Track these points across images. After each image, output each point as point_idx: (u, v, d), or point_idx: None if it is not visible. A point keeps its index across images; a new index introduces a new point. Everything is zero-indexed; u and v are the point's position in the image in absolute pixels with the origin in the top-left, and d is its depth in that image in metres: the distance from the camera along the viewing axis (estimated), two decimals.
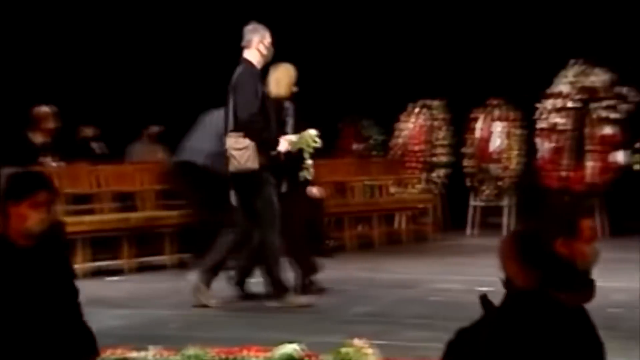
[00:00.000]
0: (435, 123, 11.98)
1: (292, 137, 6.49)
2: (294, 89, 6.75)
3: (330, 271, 7.09)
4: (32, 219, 3.25)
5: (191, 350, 4.68)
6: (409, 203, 11.00)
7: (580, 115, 11.25)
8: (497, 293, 7.28)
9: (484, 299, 3.09)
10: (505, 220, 11.51)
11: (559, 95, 11.31)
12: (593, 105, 11.14)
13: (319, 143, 6.65)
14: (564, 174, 11.23)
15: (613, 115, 11.07)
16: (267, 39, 6.31)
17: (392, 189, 11.13)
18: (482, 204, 11.72)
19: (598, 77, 11.17)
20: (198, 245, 8.59)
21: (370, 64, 11.93)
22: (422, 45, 11.79)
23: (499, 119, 11.72)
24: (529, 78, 11.08)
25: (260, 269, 6.53)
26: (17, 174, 3.40)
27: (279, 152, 6.30)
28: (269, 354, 4.74)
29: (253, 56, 6.29)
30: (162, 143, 10.94)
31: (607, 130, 11.07)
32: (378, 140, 12.29)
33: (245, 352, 4.85)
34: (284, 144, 6.36)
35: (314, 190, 7.19)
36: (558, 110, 11.31)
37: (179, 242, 8.34)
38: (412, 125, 12.01)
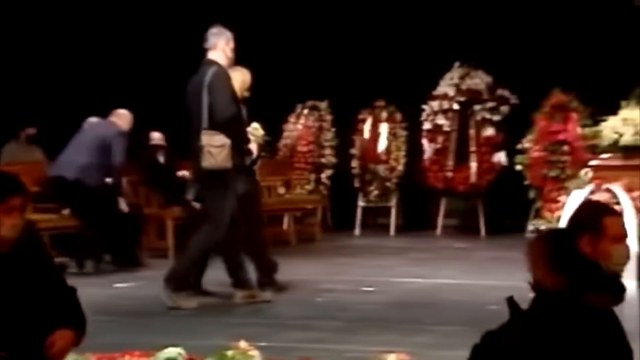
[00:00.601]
0: (323, 124, 12.03)
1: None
2: (246, 93, 6.95)
3: (215, 272, 7.03)
4: (5, 225, 3.10)
5: (71, 357, 4.56)
6: (297, 204, 11.02)
7: (464, 117, 11.48)
8: (380, 293, 7.42)
9: (511, 301, 3.05)
10: (392, 220, 11.66)
11: (443, 97, 11.52)
12: (476, 107, 11.38)
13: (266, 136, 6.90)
14: (448, 174, 11.45)
15: (495, 117, 11.34)
16: (232, 43, 6.53)
17: (280, 190, 11.13)
18: (370, 204, 11.84)
19: (481, 80, 11.42)
20: (76, 249, 8.48)
21: (256, 66, 11.86)
22: (309, 46, 11.82)
23: (386, 120, 11.86)
24: (415, 80, 11.25)
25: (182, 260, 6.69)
26: None
27: (251, 152, 6.65)
28: (152, 359, 4.67)
29: (220, 58, 6.48)
30: (38, 144, 10.72)
31: (489, 131, 11.33)
32: (266, 142, 12.25)
33: (127, 358, 4.77)
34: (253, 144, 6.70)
35: None
36: (443, 111, 11.52)
37: (55, 246, 8.13)
38: (300, 127, 12.04)
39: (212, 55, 6.50)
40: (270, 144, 12.17)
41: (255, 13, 11.63)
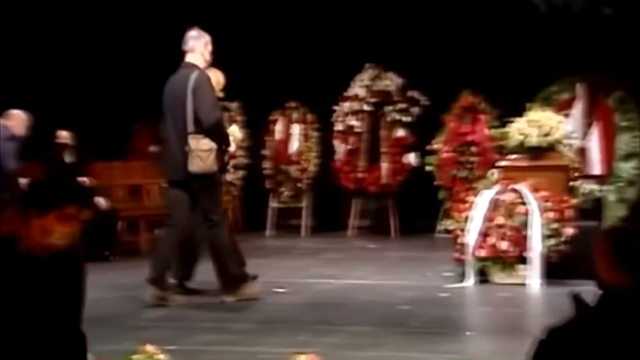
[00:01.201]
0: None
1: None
2: (220, 94, 7.09)
3: (124, 276, 6.88)
4: (57, 232, 2.99)
5: None
6: None
7: (375, 118, 11.54)
8: (292, 294, 7.38)
9: (577, 298, 2.99)
10: (304, 221, 11.64)
11: (355, 98, 11.56)
12: (387, 108, 11.46)
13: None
14: (360, 175, 11.50)
15: (406, 119, 11.43)
16: (210, 46, 6.65)
17: None
18: (282, 205, 11.80)
19: (392, 81, 11.50)
20: None
21: (166, 66, 11.71)
22: (219, 46, 11.71)
23: (298, 121, 11.84)
24: (326, 81, 11.27)
25: (213, 265, 6.74)
26: (45, 182, 3.14)
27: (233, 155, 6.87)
28: None
29: (199, 61, 6.59)
30: None
31: (400, 132, 11.42)
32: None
33: None
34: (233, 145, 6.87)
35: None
36: (354, 113, 11.56)
37: None
38: None
39: (190, 58, 6.58)
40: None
41: (166, 12, 11.47)
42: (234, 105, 11.92)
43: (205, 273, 7.11)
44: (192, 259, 7.20)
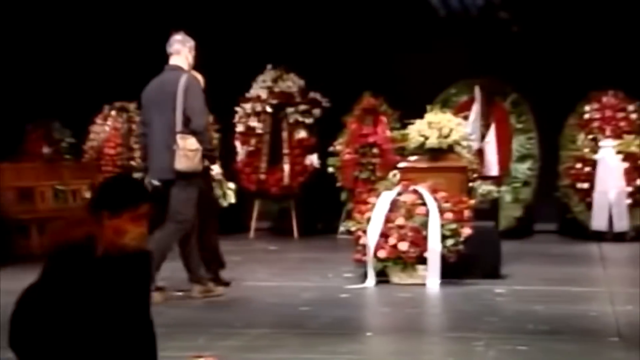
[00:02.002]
0: (133, 126, 11.71)
1: None
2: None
3: (15, 282, 6.63)
4: (131, 232, 2.92)
5: None
6: None
7: (277, 120, 11.50)
8: (190, 298, 7.21)
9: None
10: None
11: (256, 99, 11.49)
12: (288, 109, 11.42)
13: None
14: (261, 176, 11.43)
15: (307, 120, 11.42)
16: (194, 51, 6.90)
17: (87, 194, 10.72)
18: None
19: (293, 83, 11.48)
20: None
21: (60, 63, 11.44)
22: (115, 43, 11.51)
23: None
24: (227, 82, 11.15)
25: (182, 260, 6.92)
26: (116, 182, 3.05)
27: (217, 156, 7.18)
28: None
29: (183, 64, 6.81)
30: None
31: (302, 134, 11.40)
32: (70, 144, 11.80)
33: None
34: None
35: None
36: (255, 114, 11.49)
37: None
38: (107, 128, 11.67)
39: (175, 60, 6.82)
40: (77, 146, 11.77)
41: (59, 9, 11.20)
42: (131, 105, 11.69)
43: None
44: (214, 248, 7.49)
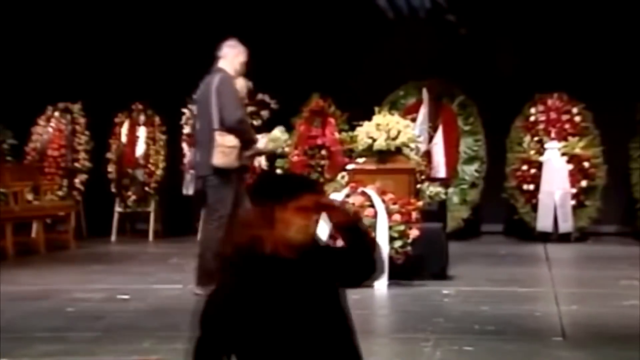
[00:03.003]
0: (77, 127, 11.55)
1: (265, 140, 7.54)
2: (245, 99, 7.71)
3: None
4: (295, 225, 2.79)
5: None
6: (48, 210, 10.47)
7: None
8: (136, 300, 7.16)
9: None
10: (151, 226, 11.38)
11: None
12: None
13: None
14: None
15: (255, 122, 11.34)
16: (242, 57, 7.16)
17: (29, 196, 10.53)
18: (127, 210, 11.49)
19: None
20: None
21: (1, 65, 11.23)
22: (60, 43, 11.34)
23: (144, 124, 11.57)
24: (174, 83, 11.05)
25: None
26: (278, 176, 3.01)
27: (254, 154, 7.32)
28: None
29: (228, 67, 7.10)
30: None
31: None
32: (11, 145, 11.57)
33: None
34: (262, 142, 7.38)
35: None
36: None
37: None
38: (51, 130, 11.48)
39: (221, 63, 7.13)
40: (19, 148, 11.56)
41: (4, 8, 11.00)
42: (75, 106, 11.52)
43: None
44: None
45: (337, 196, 7.72)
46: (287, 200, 2.84)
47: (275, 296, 2.82)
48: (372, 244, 3.03)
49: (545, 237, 10.60)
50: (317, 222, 2.88)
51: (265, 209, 2.86)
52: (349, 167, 8.32)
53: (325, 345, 2.86)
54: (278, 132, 8.59)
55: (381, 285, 7.30)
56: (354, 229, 2.95)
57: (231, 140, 6.86)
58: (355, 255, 2.95)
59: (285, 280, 2.83)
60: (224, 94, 6.93)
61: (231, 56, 7.12)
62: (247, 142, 7.01)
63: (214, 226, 6.90)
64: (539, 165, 10.83)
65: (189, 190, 7.75)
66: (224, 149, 6.84)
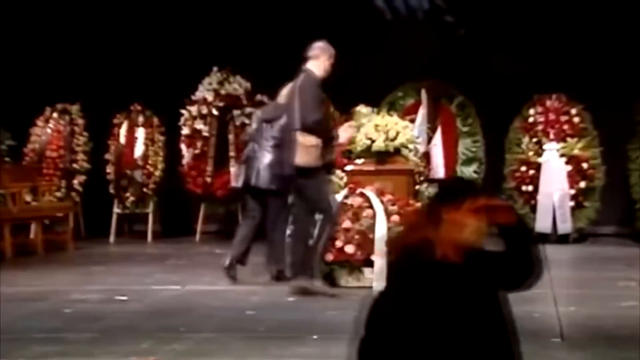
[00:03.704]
0: (75, 128, 11.55)
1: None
2: None
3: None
4: (471, 226, 2.78)
5: None
6: (46, 212, 10.47)
7: (223, 122, 11.42)
8: (135, 301, 7.17)
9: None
10: (150, 227, 11.39)
11: (202, 102, 11.40)
12: (235, 112, 11.35)
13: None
14: (208, 179, 11.34)
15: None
16: (332, 60, 7.25)
17: (27, 197, 10.53)
18: (126, 211, 11.49)
19: (239, 85, 11.41)
20: None
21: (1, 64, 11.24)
22: (59, 44, 11.34)
23: (143, 125, 11.57)
24: (172, 84, 11.06)
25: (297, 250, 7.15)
26: (453, 177, 2.82)
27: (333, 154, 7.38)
28: None
29: (316, 69, 7.18)
30: None
31: None
32: (9, 146, 11.57)
33: None
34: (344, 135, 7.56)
35: None
36: (201, 116, 11.40)
37: None
38: (49, 131, 11.49)
39: (310, 64, 7.20)
40: (17, 149, 11.56)
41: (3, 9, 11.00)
42: (74, 107, 11.53)
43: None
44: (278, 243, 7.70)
45: (336, 197, 7.72)
46: (459, 201, 2.85)
47: (442, 302, 2.80)
48: (534, 245, 3.00)
49: (544, 238, 10.60)
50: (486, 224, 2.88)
51: (434, 211, 2.87)
52: (348, 168, 8.32)
53: (485, 353, 2.83)
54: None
55: (380, 286, 7.29)
56: (517, 229, 2.93)
57: (312, 140, 6.96)
58: (516, 257, 2.91)
59: (452, 286, 2.82)
60: (306, 94, 7.04)
61: (323, 58, 7.22)
62: (327, 141, 7.12)
63: (323, 221, 7.01)
64: (538, 166, 10.83)
65: (238, 182, 7.99)
66: (305, 148, 6.95)
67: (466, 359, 2.78)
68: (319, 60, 7.21)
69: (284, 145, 7.38)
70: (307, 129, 6.98)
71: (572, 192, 10.73)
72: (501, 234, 2.93)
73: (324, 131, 7.17)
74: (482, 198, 2.88)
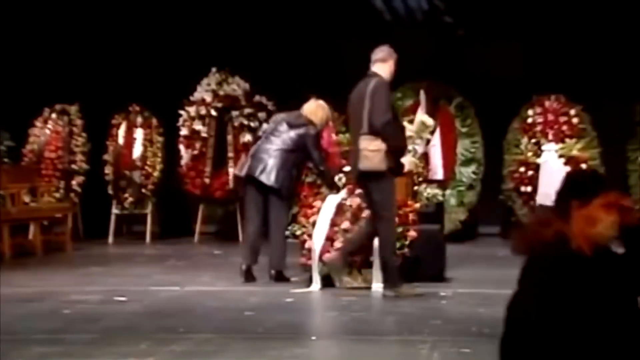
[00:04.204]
0: (74, 129, 11.55)
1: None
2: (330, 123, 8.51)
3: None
4: (605, 221, 2.79)
5: None
6: (45, 212, 10.46)
7: (222, 123, 11.41)
8: (134, 302, 7.16)
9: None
10: (148, 228, 11.38)
11: (201, 102, 11.39)
12: (234, 113, 11.35)
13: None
14: (206, 180, 11.34)
15: (252, 124, 11.35)
16: (396, 62, 7.25)
17: (26, 198, 10.52)
18: (124, 212, 11.49)
19: (238, 86, 11.41)
20: None
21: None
22: (57, 44, 11.34)
23: (141, 125, 11.57)
24: (171, 85, 11.06)
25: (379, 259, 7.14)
26: (582, 172, 2.80)
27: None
28: None
29: (384, 72, 7.15)
30: None
31: (247, 137, 11.32)
32: (8, 147, 11.57)
33: None
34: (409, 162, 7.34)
35: None
36: (200, 117, 11.40)
37: None
38: (48, 131, 11.48)
39: (377, 68, 7.17)
40: (16, 150, 11.55)
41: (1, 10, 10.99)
42: (72, 108, 11.52)
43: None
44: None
45: (334, 198, 7.71)
46: (592, 196, 2.87)
47: (587, 295, 2.82)
48: None
49: None
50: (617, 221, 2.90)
51: (562, 205, 2.89)
52: (346, 169, 8.30)
53: (622, 347, 2.85)
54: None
55: (378, 287, 7.29)
56: (638, 232, 2.94)
57: (376, 145, 6.89)
58: (635, 259, 2.93)
59: (592, 278, 2.84)
60: (376, 97, 6.97)
61: (390, 61, 7.22)
62: (395, 148, 6.99)
63: (385, 224, 7.01)
64: (537, 167, 10.83)
65: (241, 171, 7.96)
66: (367, 152, 6.92)
67: (612, 353, 2.81)
68: (386, 64, 7.19)
69: (297, 151, 7.69)
70: (376, 132, 6.89)
71: None
72: (622, 235, 2.94)
73: (393, 134, 7.03)
74: (614, 194, 2.90)
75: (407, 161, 7.27)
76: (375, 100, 6.95)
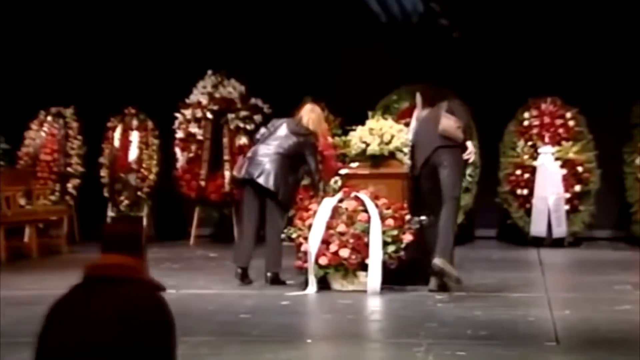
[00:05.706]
0: (69, 132, 11.53)
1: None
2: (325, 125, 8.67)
3: None
4: None
5: None
6: (40, 215, 10.44)
7: (217, 126, 11.40)
8: None
9: None
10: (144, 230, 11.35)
11: (196, 105, 11.39)
12: (229, 115, 11.34)
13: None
14: (202, 183, 11.33)
15: (248, 126, 11.34)
16: None
17: (21, 201, 10.50)
18: (121, 214, 11.46)
19: (234, 89, 11.40)
20: None
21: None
22: (53, 47, 11.33)
23: (137, 128, 11.55)
24: (166, 87, 11.05)
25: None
26: None
27: None
28: None
29: None
30: None
31: (243, 140, 11.32)
32: (4, 150, 11.55)
33: None
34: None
35: None
36: (196, 120, 11.39)
37: None
38: (43, 134, 11.47)
39: None
40: (11, 153, 11.53)
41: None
42: (68, 111, 11.51)
43: None
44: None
45: (330, 201, 7.71)
46: None
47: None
48: None
49: (538, 242, 10.60)
50: None
51: None
52: (342, 171, 8.30)
53: None
54: None
55: (374, 290, 7.29)
56: None
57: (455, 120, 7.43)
58: None
59: None
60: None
61: None
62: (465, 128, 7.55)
63: (451, 208, 7.35)
64: (533, 170, 10.83)
65: (240, 172, 8.00)
66: (450, 120, 7.43)
67: None
68: None
69: (295, 157, 7.86)
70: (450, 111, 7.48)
71: (567, 195, 10.73)
72: None
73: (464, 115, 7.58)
74: None
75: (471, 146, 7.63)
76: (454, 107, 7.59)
